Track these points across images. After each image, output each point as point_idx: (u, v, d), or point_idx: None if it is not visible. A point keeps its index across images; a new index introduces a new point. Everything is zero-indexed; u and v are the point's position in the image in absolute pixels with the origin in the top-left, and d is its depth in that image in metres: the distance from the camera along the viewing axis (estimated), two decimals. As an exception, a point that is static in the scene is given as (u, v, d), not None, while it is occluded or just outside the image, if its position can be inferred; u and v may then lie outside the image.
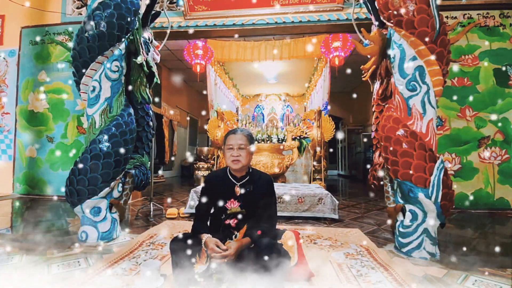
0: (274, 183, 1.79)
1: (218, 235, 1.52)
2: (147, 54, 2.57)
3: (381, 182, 2.41)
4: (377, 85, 2.39)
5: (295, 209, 3.20)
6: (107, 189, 2.21)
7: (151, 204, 3.34)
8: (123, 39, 2.27)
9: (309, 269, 1.56)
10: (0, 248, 2.04)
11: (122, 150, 2.20)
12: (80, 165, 2.13)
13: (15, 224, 2.94)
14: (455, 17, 3.89)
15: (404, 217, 2.02)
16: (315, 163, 5.15)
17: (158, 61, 2.85)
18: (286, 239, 1.65)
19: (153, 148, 3.14)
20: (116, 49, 2.24)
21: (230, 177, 1.64)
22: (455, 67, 3.70)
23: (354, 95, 8.94)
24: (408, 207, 1.98)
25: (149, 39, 2.68)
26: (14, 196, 4.39)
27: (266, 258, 1.36)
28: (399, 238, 2.04)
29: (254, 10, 4.24)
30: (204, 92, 6.42)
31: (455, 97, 3.74)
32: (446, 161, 3.70)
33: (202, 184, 1.70)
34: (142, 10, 2.53)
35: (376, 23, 2.35)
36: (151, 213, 3.26)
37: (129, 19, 2.23)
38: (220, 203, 1.60)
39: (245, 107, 9.87)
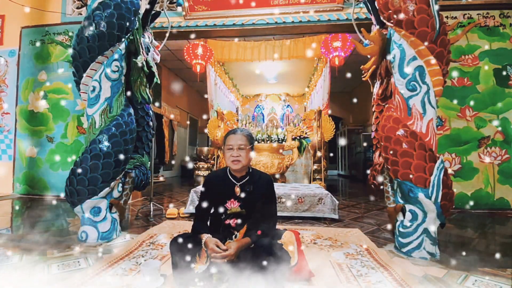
0: (274, 183, 1.79)
1: (218, 235, 1.52)
2: (147, 54, 2.57)
3: (381, 187, 2.41)
4: (377, 85, 2.39)
5: (295, 209, 3.20)
6: (107, 189, 2.21)
7: (151, 204, 3.34)
8: (123, 39, 2.27)
9: (309, 269, 1.56)
10: (0, 248, 2.04)
11: (122, 150, 2.20)
12: (80, 165, 2.13)
13: (15, 224, 2.94)
14: (455, 17, 3.89)
15: (404, 217, 2.02)
16: (315, 166, 5.15)
17: (158, 61, 2.85)
18: (286, 239, 1.65)
19: (153, 148, 3.14)
20: (116, 49, 2.24)
21: (230, 177, 1.64)
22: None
23: (355, 100, 8.96)
24: (408, 207, 1.98)
25: (149, 39, 2.68)
26: (14, 196, 4.39)
27: (266, 258, 1.36)
28: (399, 238, 2.04)
29: (254, 10, 4.24)
30: (206, 96, 6.41)
31: (455, 97, 3.74)
32: (446, 161, 3.70)
33: (201, 187, 1.70)
34: (142, 10, 2.53)
35: (376, 25, 2.35)
36: (151, 213, 3.26)
37: (129, 19, 2.23)
38: (220, 203, 1.60)
39: (245, 107, 9.87)
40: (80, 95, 2.31)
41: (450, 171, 3.64)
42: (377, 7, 2.13)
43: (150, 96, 2.69)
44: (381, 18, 2.12)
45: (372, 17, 2.37)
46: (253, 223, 1.57)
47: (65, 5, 4.59)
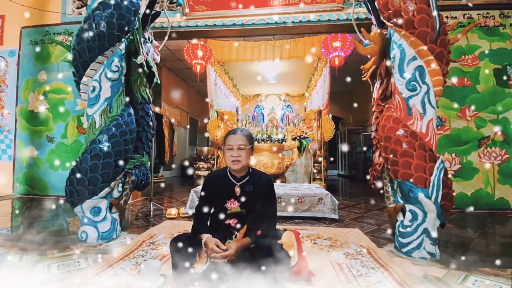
0: (274, 183, 1.79)
1: (218, 235, 1.52)
2: (147, 54, 2.57)
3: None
4: (377, 85, 2.38)
5: (295, 209, 3.20)
6: (107, 189, 2.21)
7: (151, 204, 3.34)
8: (123, 39, 2.27)
9: (309, 269, 1.56)
10: (0, 248, 2.04)
11: (122, 150, 2.20)
12: (80, 165, 2.13)
13: (15, 224, 2.94)
14: (455, 17, 3.89)
15: (404, 217, 2.02)
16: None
17: (158, 61, 2.85)
18: (286, 239, 1.65)
19: (153, 148, 3.14)
20: (116, 49, 2.24)
21: (230, 177, 1.64)
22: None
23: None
24: (408, 207, 1.98)
25: (149, 39, 2.68)
26: (14, 196, 4.39)
27: (266, 258, 1.36)
28: (399, 238, 2.04)
29: (254, 10, 4.24)
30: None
31: (455, 97, 3.74)
32: (446, 161, 3.70)
33: (201, 187, 1.70)
34: (142, 10, 2.53)
35: (376, 25, 2.34)
36: (151, 213, 3.26)
37: (129, 19, 2.23)
38: (220, 203, 1.60)
39: (245, 107, 9.88)
40: (80, 95, 2.31)
41: (449, 175, 3.64)
42: (377, 7, 2.13)
43: (150, 96, 2.69)
44: (381, 18, 2.12)
45: (372, 17, 2.37)
46: (253, 223, 1.57)
47: (65, 5, 4.59)
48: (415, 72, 1.90)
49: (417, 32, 1.87)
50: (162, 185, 5.25)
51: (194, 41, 5.60)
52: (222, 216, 1.61)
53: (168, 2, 4.44)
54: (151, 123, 2.75)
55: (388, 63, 2.12)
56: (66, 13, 4.57)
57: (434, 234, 1.92)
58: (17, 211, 3.56)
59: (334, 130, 5.36)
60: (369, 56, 2.36)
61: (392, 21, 1.97)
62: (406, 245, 1.98)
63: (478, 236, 2.57)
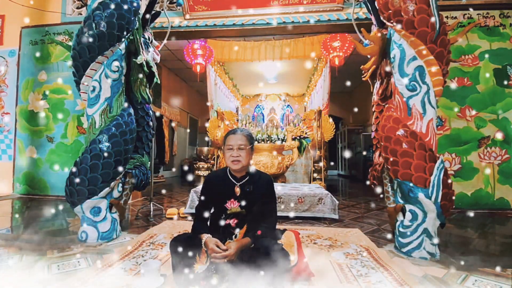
0: (274, 183, 1.79)
1: (218, 235, 1.52)
2: (147, 54, 2.57)
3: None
4: (377, 85, 2.39)
5: (295, 209, 3.20)
6: (107, 189, 2.21)
7: (151, 204, 3.34)
8: (123, 39, 2.27)
9: (309, 269, 1.55)
10: (0, 248, 2.04)
11: (122, 150, 2.20)
12: (80, 165, 2.13)
13: (15, 224, 2.94)
14: (455, 17, 3.89)
15: (404, 217, 2.02)
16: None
17: (158, 61, 2.85)
18: (286, 239, 1.65)
19: (153, 148, 3.14)
20: (116, 49, 2.24)
21: (230, 177, 1.64)
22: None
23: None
24: (408, 207, 1.97)
25: (149, 39, 2.68)
26: (14, 196, 4.39)
27: (266, 258, 1.36)
28: (399, 238, 2.03)
29: (254, 10, 4.24)
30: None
31: (455, 97, 3.74)
32: (446, 161, 3.69)
33: (201, 187, 1.70)
34: (142, 10, 2.53)
35: (376, 25, 2.34)
36: (151, 213, 3.26)
37: (129, 19, 2.23)
38: (220, 203, 1.60)
39: (245, 107, 9.87)
40: (80, 95, 2.31)
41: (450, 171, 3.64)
42: (377, 7, 2.13)
43: (150, 96, 2.69)
44: (381, 18, 2.12)
45: (372, 17, 2.37)
46: (253, 223, 1.57)
47: (65, 5, 4.59)
48: (415, 72, 1.90)
49: (417, 32, 1.87)
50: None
51: (194, 40, 5.59)
52: (222, 216, 1.61)
53: (168, 2, 4.44)
54: (151, 123, 2.75)
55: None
56: (66, 13, 4.57)
57: (434, 234, 1.92)
58: (17, 211, 3.56)
59: (334, 130, 5.36)
60: (369, 56, 2.36)
61: (392, 21, 1.97)
62: (406, 245, 1.98)
63: (478, 236, 2.57)
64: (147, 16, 2.59)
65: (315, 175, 5.15)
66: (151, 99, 2.71)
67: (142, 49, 2.44)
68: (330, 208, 3.15)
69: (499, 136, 3.63)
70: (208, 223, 1.65)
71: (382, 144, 2.04)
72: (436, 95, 1.91)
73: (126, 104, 2.32)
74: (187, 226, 2.76)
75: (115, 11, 2.17)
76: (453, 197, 1.90)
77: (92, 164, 2.12)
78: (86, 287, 1.47)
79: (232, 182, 1.62)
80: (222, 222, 1.61)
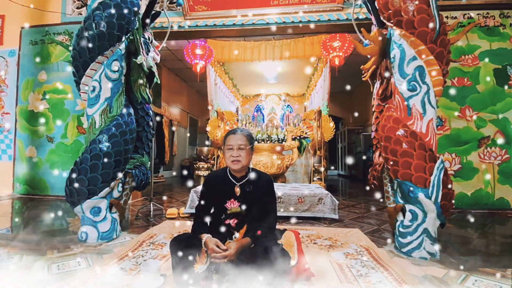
0: (274, 183, 1.79)
1: (218, 235, 1.52)
2: (147, 54, 2.57)
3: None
4: (377, 85, 2.39)
5: (295, 209, 3.20)
6: (107, 189, 2.21)
7: (151, 204, 3.34)
8: (123, 39, 2.27)
9: (309, 269, 1.56)
10: (0, 248, 2.04)
11: (122, 150, 2.20)
12: (80, 165, 2.13)
13: (15, 224, 2.94)
14: (455, 17, 3.89)
15: (404, 217, 2.02)
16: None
17: (158, 61, 2.85)
18: (286, 239, 1.65)
19: (153, 148, 3.14)
20: (116, 49, 2.24)
21: (230, 177, 1.64)
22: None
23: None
24: (408, 207, 1.97)
25: (149, 39, 2.68)
26: (14, 196, 4.39)
27: (266, 258, 1.36)
28: (399, 238, 2.03)
29: (254, 10, 4.24)
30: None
31: (454, 97, 3.74)
32: (446, 161, 3.69)
33: (201, 187, 1.70)
34: (142, 10, 2.53)
35: (376, 25, 2.34)
36: (151, 213, 3.26)
37: (129, 19, 2.23)
38: (220, 203, 1.60)
39: (245, 107, 9.87)
40: (80, 95, 2.31)
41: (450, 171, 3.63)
42: (377, 7, 2.13)
43: (150, 96, 2.69)
44: (381, 18, 2.12)
45: (372, 17, 2.37)
46: (253, 223, 1.57)
47: (65, 5, 4.59)
48: (415, 72, 1.91)
49: (417, 32, 1.87)
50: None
51: (194, 40, 5.59)
52: (222, 216, 1.61)
53: (168, 2, 4.44)
54: (151, 123, 2.75)
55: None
56: (66, 13, 4.57)
57: (434, 234, 1.92)
58: (17, 211, 3.56)
59: (334, 130, 5.36)
60: (369, 56, 2.36)
61: (392, 21, 1.97)
62: (406, 245, 1.98)
63: (478, 236, 2.57)
64: (147, 18, 2.59)
65: (315, 173, 5.15)
66: (151, 99, 2.71)
67: (142, 49, 2.44)
68: (330, 208, 3.15)
69: (500, 142, 3.63)
70: (208, 223, 1.65)
71: (382, 144, 2.04)
72: (436, 95, 1.91)
73: (126, 104, 2.33)
74: (187, 226, 2.76)
75: (115, 11, 2.17)
76: (453, 197, 1.90)
77: (92, 164, 2.12)
78: (86, 287, 1.47)
79: (232, 182, 1.62)
80: (222, 222, 1.61)
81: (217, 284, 1.41)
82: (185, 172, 8.27)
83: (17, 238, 2.36)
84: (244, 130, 1.66)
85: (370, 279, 1.60)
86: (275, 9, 4.22)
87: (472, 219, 3.09)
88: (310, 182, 5.29)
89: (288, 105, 9.89)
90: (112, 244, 2.18)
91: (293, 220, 3.10)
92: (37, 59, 4.52)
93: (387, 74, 2.14)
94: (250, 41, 5.94)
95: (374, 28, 2.36)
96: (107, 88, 2.21)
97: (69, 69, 2.27)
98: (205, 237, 1.46)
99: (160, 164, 7.83)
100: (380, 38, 2.12)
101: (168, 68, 7.99)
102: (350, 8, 4.03)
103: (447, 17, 3.86)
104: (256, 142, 5.03)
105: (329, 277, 1.62)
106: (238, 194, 1.60)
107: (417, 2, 1.89)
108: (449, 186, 1.86)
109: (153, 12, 2.67)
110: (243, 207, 1.59)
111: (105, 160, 2.14)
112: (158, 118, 7.02)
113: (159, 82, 2.82)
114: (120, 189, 2.39)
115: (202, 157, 6.61)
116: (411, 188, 1.87)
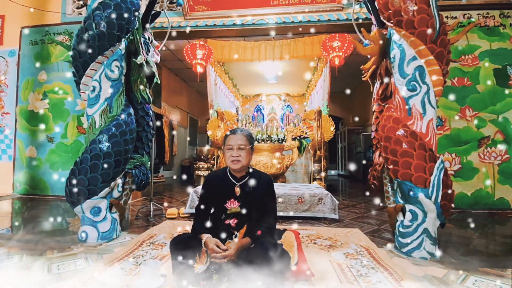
0: (274, 183, 1.79)
1: (218, 235, 1.52)
2: (147, 54, 2.57)
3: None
4: (377, 85, 2.39)
5: (295, 209, 3.20)
6: (107, 189, 2.21)
7: (151, 204, 3.33)
8: (123, 39, 2.27)
9: (309, 269, 1.56)
10: (0, 248, 2.04)
11: (122, 150, 2.20)
12: (80, 165, 2.13)
13: (15, 224, 2.94)
14: (455, 17, 3.89)
15: (404, 217, 2.01)
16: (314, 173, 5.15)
17: (158, 61, 2.85)
18: (286, 239, 1.65)
19: (153, 148, 3.14)
20: (116, 49, 2.24)
21: (230, 177, 1.64)
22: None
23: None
24: (408, 207, 1.97)
25: (149, 39, 2.68)
26: (14, 196, 4.39)
27: (266, 258, 1.36)
28: (399, 238, 2.03)
29: (254, 10, 4.24)
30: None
31: (455, 97, 3.75)
32: (446, 161, 3.69)
33: (201, 187, 1.70)
34: (142, 10, 2.53)
35: (376, 25, 2.34)
36: (151, 213, 3.26)
37: (129, 19, 2.23)
38: (220, 203, 1.60)
39: (245, 107, 9.86)
40: (80, 95, 2.31)
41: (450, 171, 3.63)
42: (377, 7, 2.13)
43: (150, 96, 2.69)
44: (381, 18, 2.12)
45: (372, 17, 2.37)
46: (253, 223, 1.57)
47: (65, 5, 4.59)
48: (415, 72, 1.90)
49: (417, 32, 1.87)
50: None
51: (194, 40, 5.59)
52: (222, 216, 1.61)
53: (168, 2, 4.44)
54: (151, 123, 2.75)
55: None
56: (66, 13, 4.57)
57: (434, 234, 1.92)
58: (17, 211, 3.56)
59: (334, 130, 5.36)
60: (369, 56, 2.36)
61: (392, 21, 1.97)
62: (406, 245, 1.98)
63: (478, 236, 2.57)
64: (147, 18, 2.59)
65: (315, 173, 5.15)
66: (151, 99, 2.71)
67: (142, 49, 2.44)
68: (330, 208, 3.15)
69: (502, 148, 3.63)
70: (208, 223, 1.65)
71: (382, 144, 2.04)
72: (436, 95, 1.91)
73: (126, 104, 2.33)
74: (187, 226, 2.76)
75: (115, 11, 2.17)
76: (453, 197, 1.90)
77: (92, 164, 2.12)
78: (86, 287, 1.47)
79: (232, 182, 1.62)
80: (222, 222, 1.61)
81: (217, 284, 1.41)
82: (184, 177, 8.28)
83: (17, 238, 2.36)
84: (244, 130, 1.66)
85: (370, 279, 1.59)
86: (275, 9, 4.22)
87: (472, 219, 3.09)
88: (310, 182, 5.29)
89: (288, 105, 9.89)
90: (112, 244, 2.18)
91: (293, 220, 3.10)
92: (37, 59, 4.52)
93: (386, 77, 2.14)
94: (250, 41, 5.94)
95: (374, 28, 2.36)
96: (107, 88, 2.21)
97: (69, 70, 2.27)
98: (205, 237, 1.46)
99: (160, 164, 7.83)
100: (380, 39, 2.12)
101: (168, 68, 7.98)
102: (350, 8, 4.03)
103: (447, 17, 3.86)
104: (256, 142, 5.03)
105: (329, 277, 1.62)
106: (238, 194, 1.60)
107: (417, 2, 1.89)
108: (449, 186, 1.86)
109: (153, 12, 2.67)
110: (243, 207, 1.59)
111: (105, 160, 2.13)
112: (158, 123, 7.04)
113: (159, 82, 2.82)
114: (120, 189, 2.39)
115: (202, 157, 6.61)
116: (411, 188, 1.87)
